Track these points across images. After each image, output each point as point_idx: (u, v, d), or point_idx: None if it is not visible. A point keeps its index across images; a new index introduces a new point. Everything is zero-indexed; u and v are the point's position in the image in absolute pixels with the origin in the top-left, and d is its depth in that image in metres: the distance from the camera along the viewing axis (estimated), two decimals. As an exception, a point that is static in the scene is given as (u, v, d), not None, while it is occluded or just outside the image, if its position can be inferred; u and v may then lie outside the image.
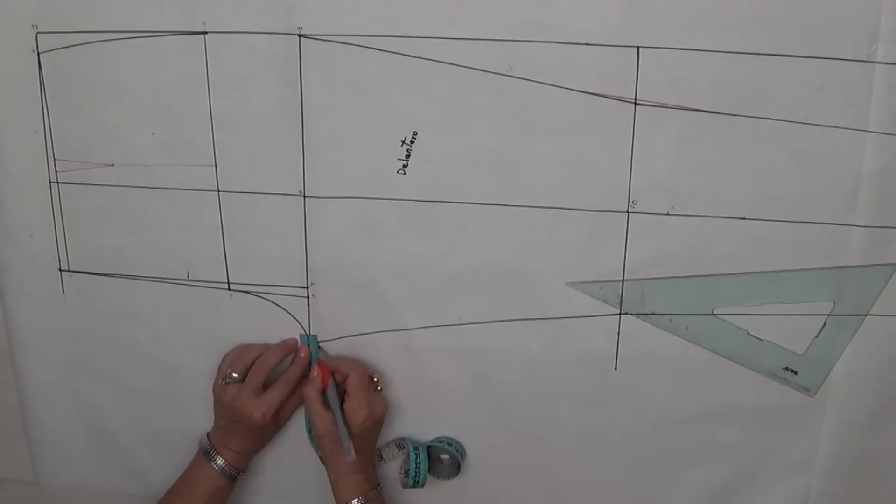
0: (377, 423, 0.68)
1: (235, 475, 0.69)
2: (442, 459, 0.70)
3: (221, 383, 0.68)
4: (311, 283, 0.68)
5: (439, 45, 0.60)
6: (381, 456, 0.72)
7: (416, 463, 0.69)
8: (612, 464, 0.69)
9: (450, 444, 0.70)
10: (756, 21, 0.57)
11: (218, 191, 0.67)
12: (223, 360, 0.70)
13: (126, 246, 0.70)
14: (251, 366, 0.68)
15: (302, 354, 0.69)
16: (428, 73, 0.61)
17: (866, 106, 0.58)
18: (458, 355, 0.68)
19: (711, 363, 0.65)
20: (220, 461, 0.68)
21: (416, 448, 0.69)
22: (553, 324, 0.66)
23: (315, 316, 0.69)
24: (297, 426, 0.73)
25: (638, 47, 0.58)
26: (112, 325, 0.73)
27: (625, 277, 0.64)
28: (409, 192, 0.64)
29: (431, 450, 0.70)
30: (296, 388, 0.69)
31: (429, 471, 0.69)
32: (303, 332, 0.70)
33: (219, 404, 0.69)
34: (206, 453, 0.69)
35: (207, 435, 0.70)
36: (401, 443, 0.71)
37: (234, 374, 0.68)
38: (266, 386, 0.68)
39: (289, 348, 0.70)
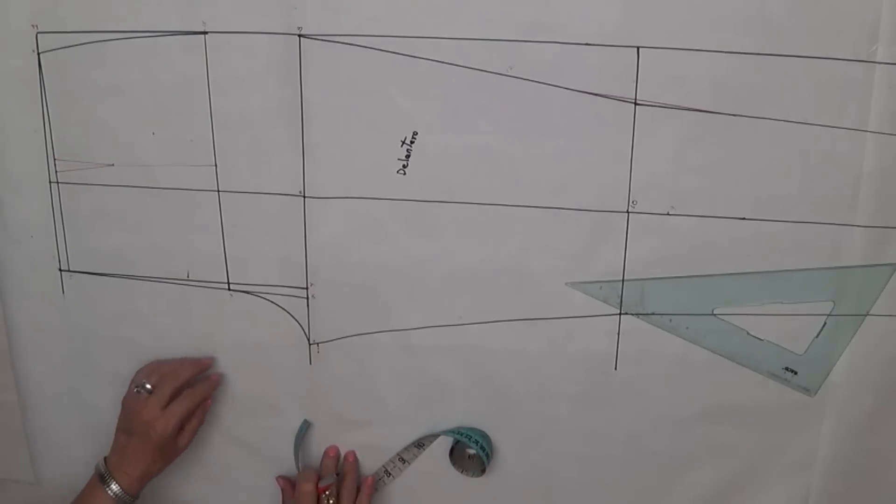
0: None
1: (130, 502, 0.67)
2: (469, 455, 0.70)
3: (133, 392, 0.68)
4: (311, 284, 0.68)
5: (439, 45, 0.60)
6: (403, 459, 0.72)
7: (479, 445, 0.68)
8: (612, 464, 0.69)
9: (475, 441, 0.69)
10: (756, 21, 0.57)
11: (218, 191, 0.67)
12: (137, 372, 0.69)
13: (126, 246, 0.70)
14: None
15: (212, 378, 0.70)
16: (428, 73, 0.61)
17: (866, 106, 0.58)
18: (458, 355, 0.68)
19: (711, 363, 0.65)
20: (114, 487, 0.66)
21: (461, 433, 0.68)
22: (553, 324, 0.66)
23: (314, 316, 0.69)
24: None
25: (638, 47, 0.58)
26: (112, 325, 0.73)
27: (625, 277, 0.64)
28: (409, 192, 0.64)
29: (458, 444, 0.70)
30: (199, 406, 0.69)
31: (454, 464, 0.70)
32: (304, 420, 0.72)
33: (124, 415, 0.68)
34: (101, 478, 0.66)
35: (105, 459, 0.68)
36: (420, 442, 0.71)
37: (148, 386, 0.67)
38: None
39: (202, 366, 0.70)
